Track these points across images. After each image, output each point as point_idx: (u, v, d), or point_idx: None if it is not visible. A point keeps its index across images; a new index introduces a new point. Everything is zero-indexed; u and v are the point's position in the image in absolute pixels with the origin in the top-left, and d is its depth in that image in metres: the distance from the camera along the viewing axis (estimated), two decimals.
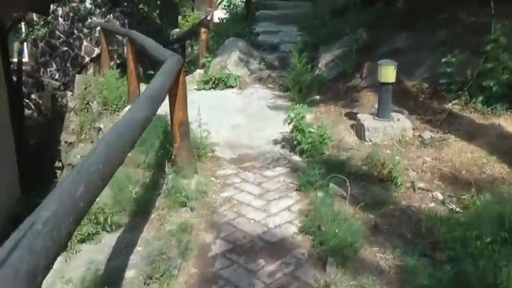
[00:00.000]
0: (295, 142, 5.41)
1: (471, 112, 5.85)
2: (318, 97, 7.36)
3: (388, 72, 5.53)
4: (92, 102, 9.28)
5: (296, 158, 5.39)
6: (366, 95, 7.00)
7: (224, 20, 13.72)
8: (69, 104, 9.94)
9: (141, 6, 11.72)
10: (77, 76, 10.19)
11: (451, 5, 7.81)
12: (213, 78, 8.55)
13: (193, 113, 5.04)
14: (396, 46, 7.69)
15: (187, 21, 32.34)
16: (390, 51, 7.63)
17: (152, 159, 5.03)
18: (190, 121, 4.86)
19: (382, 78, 5.59)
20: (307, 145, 5.25)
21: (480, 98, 5.87)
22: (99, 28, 12.25)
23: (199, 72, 9.71)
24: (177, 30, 19.27)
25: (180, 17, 34.97)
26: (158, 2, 11.37)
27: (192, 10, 34.32)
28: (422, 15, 8.01)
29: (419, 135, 5.60)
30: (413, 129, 5.72)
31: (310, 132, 5.31)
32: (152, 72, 16.39)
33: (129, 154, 5.52)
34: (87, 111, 9.06)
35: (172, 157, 4.57)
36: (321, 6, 9.99)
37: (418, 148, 5.37)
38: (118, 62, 15.17)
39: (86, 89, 9.74)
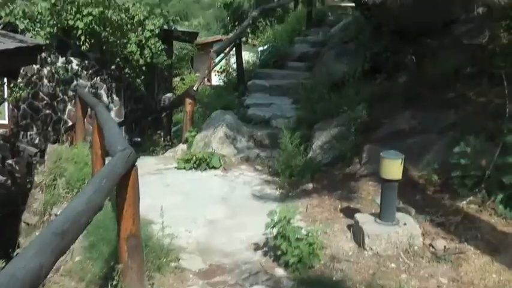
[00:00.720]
0: (279, 252, 4.41)
1: (490, 214, 4.90)
2: (310, 185, 6.44)
3: (394, 167, 4.59)
4: (61, 179, 8.38)
5: (280, 271, 4.39)
6: (365, 185, 6.08)
7: (211, 90, 12.98)
8: (36, 178, 8.97)
9: (126, 70, 10.93)
10: (49, 146, 9.28)
11: (459, 82, 7.03)
12: (195, 157, 7.64)
13: (165, 202, 4.09)
14: (400, 127, 6.82)
15: (183, 84, 31.93)
16: (393, 133, 6.78)
17: (96, 274, 4.03)
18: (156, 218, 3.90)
19: (385, 174, 4.64)
20: (293, 257, 4.25)
21: (500, 197, 4.95)
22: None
23: (181, 148, 8.82)
24: (170, 94, 18.54)
25: (177, 79, 34.67)
26: (143, 68, 10.55)
27: (190, 73, 34.05)
28: (428, 92, 7.21)
29: (431, 244, 4.62)
30: (423, 235, 4.74)
31: (297, 239, 4.32)
32: (139, 139, 15.61)
33: (77, 258, 4.50)
34: (54, 188, 8.13)
35: (117, 279, 3.57)
36: (318, 77, 9.16)
37: (429, 262, 4.37)
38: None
39: (56, 162, 8.82)
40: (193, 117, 9.08)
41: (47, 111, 14.57)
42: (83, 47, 9.82)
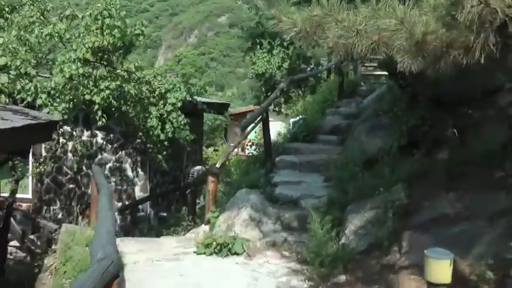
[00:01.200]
0: None
1: None
2: (343, 277, 5.67)
3: (441, 269, 3.85)
4: (71, 263, 7.79)
5: None
6: (406, 279, 5.28)
7: (241, 163, 12.40)
8: (46, 260, 8.40)
9: (149, 145, 10.51)
10: (63, 226, 8.72)
11: (507, 159, 6.27)
12: (216, 242, 6.95)
13: None
14: (443, 211, 6.05)
15: (216, 155, 31.59)
16: (436, 218, 6.02)
17: None
18: None
19: (431, 277, 3.88)
20: None
21: None
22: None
23: (203, 229, 8.15)
24: (199, 167, 18.05)
25: (211, 149, 34.42)
26: (165, 143, 10.09)
27: (223, 144, 33.77)
28: (473, 171, 6.44)
29: None
30: None
31: None
32: (165, 214, 15.01)
33: None
34: (65, 273, 7.52)
35: None
36: (351, 153, 8.48)
37: None
38: (123, 205, 13.85)
39: (67, 244, 8.25)
40: (216, 196, 8.42)
41: (71, 186, 14.22)
42: (99, 123, 9.42)
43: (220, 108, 20.48)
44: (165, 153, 10.58)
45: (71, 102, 8.72)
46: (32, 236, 13.29)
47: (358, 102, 12.30)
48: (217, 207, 8.33)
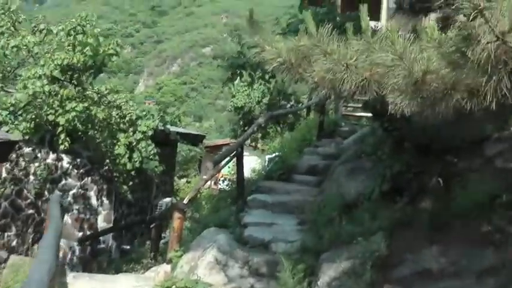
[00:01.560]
0: None
1: None
2: None
3: None
4: None
5: None
6: None
7: (212, 198, 11.87)
8: None
9: (115, 174, 9.89)
10: (11, 258, 8.05)
11: (495, 213, 5.85)
12: (176, 285, 6.38)
13: None
14: (426, 265, 5.58)
15: (188, 187, 30.92)
16: (418, 273, 5.55)
17: None
18: None
19: None
20: None
21: None
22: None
23: (164, 269, 7.59)
24: (169, 199, 17.43)
25: (183, 181, 33.76)
26: (133, 173, 9.49)
27: (196, 175, 33.14)
28: (458, 223, 6.02)
29: None
30: None
31: None
32: (128, 247, 14.30)
33: None
34: None
35: None
36: (328, 196, 8.02)
37: None
38: (84, 235, 13.14)
39: (13, 278, 7.61)
40: (182, 233, 7.87)
41: (30, 211, 13.41)
42: (62, 146, 8.81)
43: (195, 139, 19.96)
44: (131, 183, 9.94)
45: (33, 122, 8.12)
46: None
47: (338, 143, 11.88)
48: (182, 245, 7.77)
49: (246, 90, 27.64)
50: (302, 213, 8.35)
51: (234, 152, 8.66)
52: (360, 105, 15.44)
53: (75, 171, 13.32)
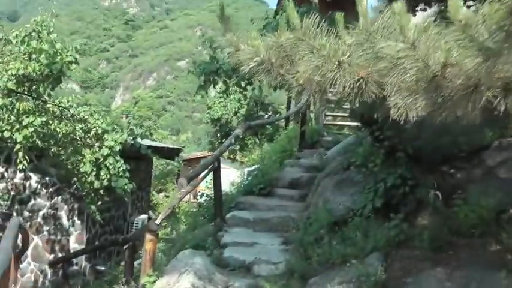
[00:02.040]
0: None
1: None
2: None
3: None
4: None
5: None
6: None
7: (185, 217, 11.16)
8: None
9: (84, 193, 9.13)
10: None
11: (502, 229, 5.26)
12: None
13: None
14: None
15: (167, 201, 30.07)
16: None
17: None
18: None
19: None
20: None
21: None
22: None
23: None
24: (145, 216, 16.66)
25: (162, 195, 32.93)
26: (101, 191, 8.74)
27: (174, 189, 32.31)
28: (462, 241, 5.44)
29: None
30: None
31: None
32: (103, 268, 13.48)
33: None
34: None
35: None
36: (314, 212, 7.37)
37: None
38: (55, 257, 12.31)
39: None
40: (154, 257, 7.12)
41: None
42: (20, 166, 8.01)
43: (171, 153, 19.21)
44: (100, 202, 9.14)
45: None
46: None
47: (321, 154, 11.25)
48: (156, 269, 7.03)
49: (222, 101, 27.05)
50: (286, 231, 7.70)
51: (211, 166, 7.97)
52: (342, 114, 14.95)
53: (44, 190, 12.51)
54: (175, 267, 6.80)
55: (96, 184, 8.53)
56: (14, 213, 12.54)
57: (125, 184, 8.68)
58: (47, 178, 12.10)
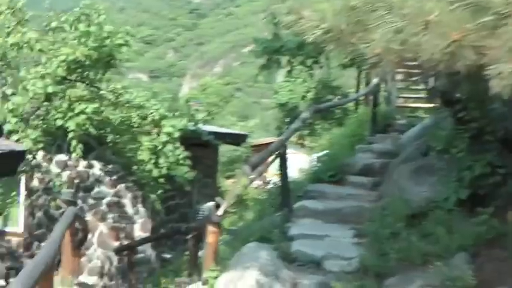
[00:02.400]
0: None
1: None
2: None
3: None
4: None
5: None
6: None
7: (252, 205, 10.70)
8: None
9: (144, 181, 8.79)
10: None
11: None
12: None
13: None
14: None
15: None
16: None
17: None
18: None
19: None
20: None
21: None
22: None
23: None
24: (212, 204, 16.32)
25: (231, 181, 32.74)
26: (161, 179, 8.38)
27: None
28: None
29: None
30: None
31: None
32: (169, 256, 13.23)
33: None
34: None
35: None
36: (389, 203, 6.70)
37: None
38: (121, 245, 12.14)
39: None
40: (217, 250, 6.66)
41: None
42: (74, 154, 7.71)
43: (237, 138, 18.81)
44: (162, 191, 8.75)
45: (41, 129, 7.07)
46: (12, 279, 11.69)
47: (394, 138, 10.50)
48: (219, 263, 6.59)
49: (289, 85, 26.41)
50: (359, 223, 7.07)
51: (277, 152, 7.41)
52: (415, 95, 14.09)
53: (108, 178, 12.41)
54: (240, 262, 6.33)
55: (155, 172, 8.14)
56: (79, 201, 12.52)
57: (186, 172, 8.24)
58: (110, 166, 11.95)
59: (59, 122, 7.16)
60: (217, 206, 17.13)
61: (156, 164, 8.10)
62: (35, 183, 12.59)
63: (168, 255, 13.19)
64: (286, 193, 7.69)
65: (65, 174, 12.58)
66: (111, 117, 7.94)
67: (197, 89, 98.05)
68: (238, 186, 6.66)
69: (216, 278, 6.36)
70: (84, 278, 12.55)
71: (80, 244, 10.47)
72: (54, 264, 4.52)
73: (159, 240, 12.64)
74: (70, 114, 7.04)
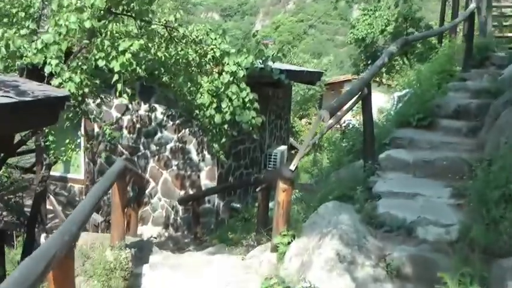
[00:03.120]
0: None
1: None
2: None
3: None
4: None
5: None
6: None
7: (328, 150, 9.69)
8: None
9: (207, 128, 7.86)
10: (82, 236, 6.46)
11: None
12: None
13: None
14: None
15: (308, 129, 28.79)
16: None
17: None
18: None
19: None
20: None
21: None
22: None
23: (268, 258, 5.65)
24: (283, 148, 15.40)
25: (304, 121, 31.73)
26: (225, 127, 7.38)
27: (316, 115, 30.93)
28: None
29: None
30: None
31: None
32: (238, 206, 12.45)
33: None
34: None
35: None
36: (497, 156, 5.49)
37: None
38: (186, 194, 11.49)
39: (83, 265, 6.04)
40: (289, 211, 5.72)
41: None
42: (121, 100, 6.81)
43: (311, 77, 17.59)
44: (224, 140, 7.78)
45: (77, 71, 6.15)
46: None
47: (493, 74, 9.08)
48: (291, 227, 5.66)
49: (367, 19, 24.68)
50: (457, 179, 5.93)
51: (359, 93, 6.26)
52: None
53: (171, 122, 11.67)
54: (316, 226, 5.40)
55: (217, 118, 7.14)
56: (141, 147, 11.89)
57: (252, 117, 7.20)
58: (173, 110, 11.19)
59: (101, 63, 6.21)
60: (292, 148, 16.19)
61: (218, 109, 7.10)
62: (96, 128, 12.06)
63: (237, 205, 12.47)
64: (370, 141, 6.57)
65: (126, 119, 11.94)
66: (164, 56, 6.94)
67: (270, 27, 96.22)
68: (313, 135, 5.59)
69: (288, 244, 5.48)
70: (148, 228, 12.06)
71: (133, 201, 9.86)
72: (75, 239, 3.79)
73: (225, 191, 11.87)
74: (113, 53, 6.08)
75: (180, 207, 11.76)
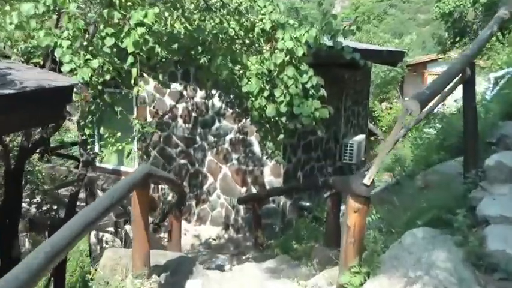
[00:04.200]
0: None
1: None
2: None
3: None
4: None
5: None
6: None
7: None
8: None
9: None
10: (105, 252, 5.27)
11: None
12: None
13: None
14: None
15: (389, 114, 26.73)
16: None
17: None
18: None
19: None
20: None
21: None
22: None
23: None
24: (361, 138, 13.69)
25: (384, 105, 29.68)
26: (284, 120, 5.72)
27: (398, 98, 28.79)
28: None
29: None
30: None
31: None
32: (308, 204, 10.89)
33: None
34: None
35: None
36: None
37: None
38: (247, 192, 10.13)
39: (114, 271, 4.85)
40: (362, 239, 4.16)
41: (182, 161, 10.83)
42: (136, 90, 5.30)
43: (392, 57, 15.70)
44: (281, 137, 6.19)
45: (85, 55, 4.77)
46: (127, 227, 10.20)
47: None
48: (363, 262, 4.12)
49: None
50: None
51: (459, 76, 4.57)
52: None
53: (230, 110, 10.26)
54: (399, 263, 3.84)
55: (270, 110, 5.52)
56: (198, 138, 10.63)
57: (316, 109, 5.50)
58: (232, 96, 9.78)
59: (109, 42, 4.73)
60: (372, 135, 14.08)
61: (270, 98, 5.48)
62: (149, 117, 10.88)
63: (307, 203, 10.96)
64: (472, 141, 4.88)
65: (180, 107, 10.66)
66: (182, 31, 5.42)
67: (349, 8, 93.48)
68: (396, 133, 3.94)
69: (359, 286, 3.96)
70: (206, 228, 10.81)
71: (163, 218, 8.74)
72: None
73: (290, 192, 10.35)
74: (125, 29, 4.62)
75: (241, 206, 10.42)
